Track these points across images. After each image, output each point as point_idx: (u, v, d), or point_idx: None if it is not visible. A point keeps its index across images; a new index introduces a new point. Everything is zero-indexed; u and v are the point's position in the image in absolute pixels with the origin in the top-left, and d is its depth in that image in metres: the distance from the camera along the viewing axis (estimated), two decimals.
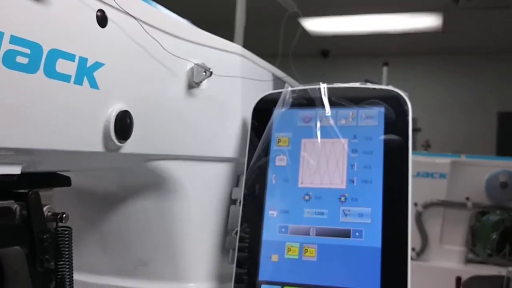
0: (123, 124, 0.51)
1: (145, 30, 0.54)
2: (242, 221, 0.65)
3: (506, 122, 5.37)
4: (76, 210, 0.67)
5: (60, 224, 0.49)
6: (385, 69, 2.47)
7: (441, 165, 1.76)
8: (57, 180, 0.53)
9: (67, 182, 0.53)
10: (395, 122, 0.63)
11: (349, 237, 0.61)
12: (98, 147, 0.49)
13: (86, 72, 0.46)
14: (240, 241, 0.64)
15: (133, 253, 0.67)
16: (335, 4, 4.24)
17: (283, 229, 0.63)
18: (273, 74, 0.83)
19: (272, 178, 0.66)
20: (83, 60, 0.46)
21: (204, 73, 0.62)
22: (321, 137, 0.66)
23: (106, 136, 0.50)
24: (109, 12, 0.49)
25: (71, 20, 0.45)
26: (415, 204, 1.78)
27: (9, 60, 0.39)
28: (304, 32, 4.86)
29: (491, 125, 5.45)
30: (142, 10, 0.55)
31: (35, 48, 0.41)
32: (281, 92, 0.70)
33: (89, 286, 0.67)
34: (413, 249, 1.79)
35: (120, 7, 0.50)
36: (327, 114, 0.67)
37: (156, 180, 0.63)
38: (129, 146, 0.53)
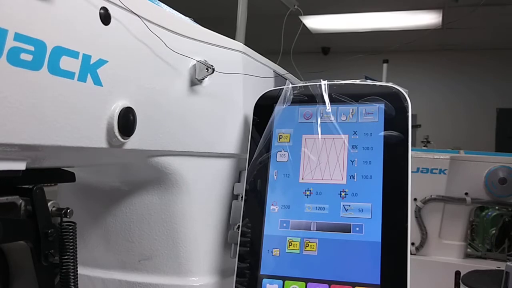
0: (127, 121, 0.51)
1: (148, 28, 0.54)
2: (244, 216, 0.66)
3: (506, 119, 5.37)
4: (80, 206, 0.68)
5: (64, 219, 0.50)
6: (385, 66, 2.47)
7: (441, 161, 1.77)
8: (61, 175, 0.53)
9: (71, 178, 0.54)
10: (395, 119, 0.64)
11: (350, 231, 0.61)
12: (102, 143, 0.50)
13: (90, 69, 0.47)
14: (242, 235, 0.65)
15: (137, 247, 0.68)
16: (336, 2, 4.23)
17: (284, 224, 0.64)
18: (274, 71, 0.84)
19: (273, 173, 0.66)
20: (86, 57, 0.46)
21: (206, 70, 0.63)
22: (322, 133, 0.66)
23: (109, 132, 0.50)
24: (112, 10, 0.49)
25: (75, 17, 0.45)
26: (415, 199, 1.79)
27: (14, 57, 0.39)
28: (305, 30, 4.85)
29: (490, 121, 5.45)
30: (145, 8, 0.55)
31: (39, 45, 0.41)
32: (282, 89, 0.70)
33: (93, 280, 0.68)
34: (412, 244, 1.80)
35: (123, 4, 0.51)
36: (327, 111, 0.67)
37: (159, 175, 0.64)
38: (132, 142, 0.54)
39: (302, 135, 0.67)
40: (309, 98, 0.68)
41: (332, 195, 0.63)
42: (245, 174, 0.68)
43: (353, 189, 0.63)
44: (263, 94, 0.71)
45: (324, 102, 0.67)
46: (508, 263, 1.13)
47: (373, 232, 0.60)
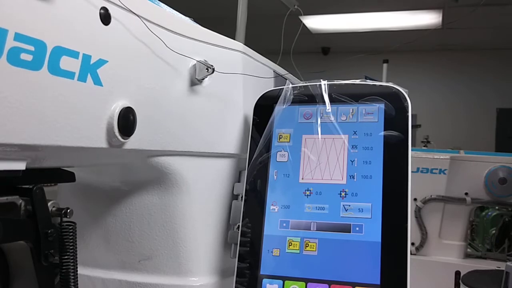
0: (127, 121, 0.51)
1: (148, 28, 0.54)
2: (244, 216, 0.66)
3: (506, 119, 5.38)
4: (80, 206, 0.68)
5: (64, 219, 0.50)
6: (385, 66, 2.47)
7: (441, 161, 1.77)
8: (61, 175, 0.53)
9: (71, 178, 0.54)
10: (395, 119, 0.64)
11: (350, 231, 0.61)
12: (102, 143, 0.50)
13: (90, 69, 0.47)
14: (242, 235, 0.65)
15: (137, 247, 0.68)
16: (336, 2, 4.24)
17: (284, 224, 0.64)
18: (274, 71, 0.84)
19: (273, 173, 0.66)
20: (86, 57, 0.46)
21: (206, 70, 0.63)
22: (322, 133, 0.67)
23: (109, 132, 0.50)
24: (112, 10, 0.50)
25: (75, 17, 0.45)
26: (415, 199, 1.79)
27: (14, 57, 0.39)
28: (305, 30, 4.85)
29: (490, 121, 5.45)
30: (145, 8, 0.55)
31: (39, 45, 0.41)
32: (282, 89, 0.70)
33: (93, 280, 0.68)
34: (412, 244, 1.80)
35: (123, 5, 0.51)
36: (327, 111, 0.67)
37: (159, 175, 0.64)
38: (132, 142, 0.54)
39: (302, 135, 0.67)
40: (309, 98, 0.68)
41: (332, 195, 0.63)
42: (245, 174, 0.68)
43: (353, 189, 0.63)
44: (263, 94, 0.71)
45: (324, 102, 0.67)
46: (508, 263, 1.13)
47: (373, 232, 0.60)
